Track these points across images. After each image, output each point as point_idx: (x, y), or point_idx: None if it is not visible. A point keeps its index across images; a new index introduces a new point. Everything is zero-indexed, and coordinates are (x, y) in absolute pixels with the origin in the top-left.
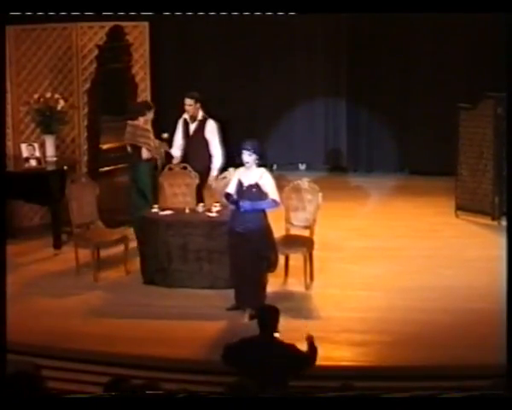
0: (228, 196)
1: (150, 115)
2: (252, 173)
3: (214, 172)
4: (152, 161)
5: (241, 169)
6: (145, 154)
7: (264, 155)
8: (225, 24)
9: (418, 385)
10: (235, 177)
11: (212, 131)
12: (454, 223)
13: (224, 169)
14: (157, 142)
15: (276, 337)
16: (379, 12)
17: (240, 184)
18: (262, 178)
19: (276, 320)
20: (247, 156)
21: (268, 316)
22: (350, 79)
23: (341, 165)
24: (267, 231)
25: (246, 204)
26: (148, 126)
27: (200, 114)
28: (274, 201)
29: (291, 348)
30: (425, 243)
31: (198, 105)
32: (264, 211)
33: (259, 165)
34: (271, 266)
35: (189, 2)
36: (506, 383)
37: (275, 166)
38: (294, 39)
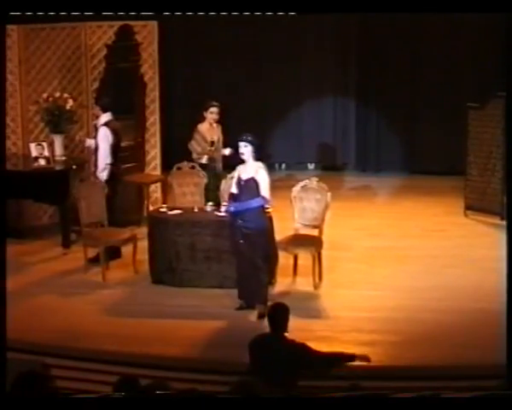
0: (231, 195)
1: (208, 116)
2: (249, 168)
3: (99, 176)
4: (210, 165)
5: (241, 166)
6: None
7: (260, 148)
8: (234, 23)
9: (426, 385)
10: (236, 173)
11: (100, 137)
12: (463, 223)
13: (232, 168)
14: (206, 146)
15: (285, 336)
16: (376, 12)
17: (239, 179)
18: (257, 173)
19: (287, 319)
20: (243, 148)
21: (278, 314)
22: (359, 78)
23: (350, 164)
24: (265, 226)
25: (236, 205)
26: (201, 129)
27: (100, 121)
28: (263, 198)
29: (301, 347)
30: (434, 242)
31: (97, 108)
32: (261, 207)
33: (257, 159)
34: (270, 261)
35: (187, 2)
36: (506, 383)
37: (283, 166)
38: (303, 39)
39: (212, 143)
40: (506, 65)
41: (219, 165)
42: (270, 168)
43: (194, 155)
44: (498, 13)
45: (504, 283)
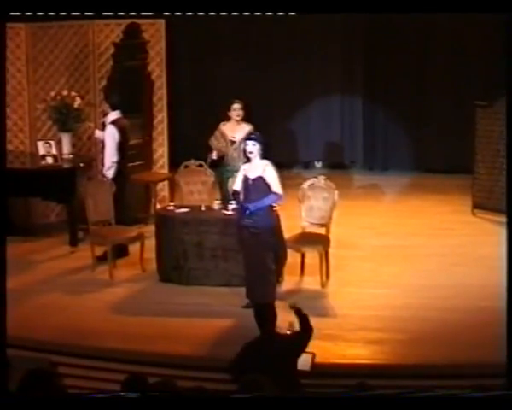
0: (235, 193)
1: (231, 114)
2: (256, 167)
3: (105, 174)
4: (229, 162)
5: (246, 164)
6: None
7: (267, 146)
8: (241, 22)
9: (433, 383)
10: (241, 172)
11: (107, 135)
12: (470, 221)
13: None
14: (225, 144)
15: (275, 332)
16: (376, 12)
17: (245, 178)
18: (265, 171)
19: (272, 316)
20: (251, 146)
21: (263, 314)
22: (366, 77)
23: (357, 163)
24: (274, 224)
25: (251, 206)
26: (222, 126)
27: (108, 119)
28: (276, 194)
29: (289, 336)
30: (441, 241)
31: (106, 106)
32: (270, 205)
33: (264, 157)
34: (279, 260)
35: (186, 2)
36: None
37: (291, 164)
38: (310, 38)
39: (233, 142)
40: (506, 65)
41: (239, 164)
42: (277, 167)
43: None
44: (499, 13)
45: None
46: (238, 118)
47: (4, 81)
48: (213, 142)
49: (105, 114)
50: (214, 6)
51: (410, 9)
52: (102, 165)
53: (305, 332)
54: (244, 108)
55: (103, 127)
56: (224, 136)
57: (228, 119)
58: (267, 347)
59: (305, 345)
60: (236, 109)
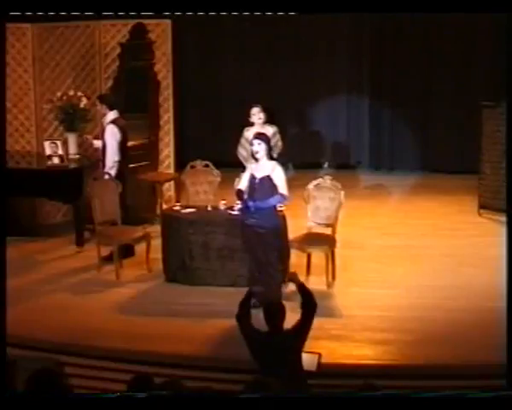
0: (239, 192)
1: (252, 119)
2: (264, 166)
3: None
4: None
5: (254, 164)
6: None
7: (273, 147)
8: (247, 22)
9: (440, 384)
10: (247, 172)
11: (108, 134)
12: (477, 221)
13: (244, 168)
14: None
15: (283, 329)
16: (375, 12)
17: (252, 177)
18: (274, 171)
19: (280, 314)
20: (257, 146)
21: (271, 312)
22: (372, 77)
23: (363, 163)
24: (279, 225)
25: (255, 204)
26: (245, 132)
27: (107, 119)
28: (282, 195)
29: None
30: (447, 241)
31: (103, 107)
32: (275, 206)
33: (271, 158)
34: (282, 260)
35: (186, 1)
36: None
37: (297, 164)
38: (317, 38)
39: None
40: (507, 66)
41: None
42: (284, 167)
43: (242, 160)
44: (499, 13)
45: None
46: (260, 121)
47: (4, 81)
48: (241, 152)
49: (103, 115)
50: (215, 6)
51: (410, 9)
52: (103, 166)
53: (308, 309)
54: (265, 111)
55: (102, 129)
56: (248, 141)
57: (251, 124)
58: (274, 343)
59: (310, 324)
60: (256, 113)
